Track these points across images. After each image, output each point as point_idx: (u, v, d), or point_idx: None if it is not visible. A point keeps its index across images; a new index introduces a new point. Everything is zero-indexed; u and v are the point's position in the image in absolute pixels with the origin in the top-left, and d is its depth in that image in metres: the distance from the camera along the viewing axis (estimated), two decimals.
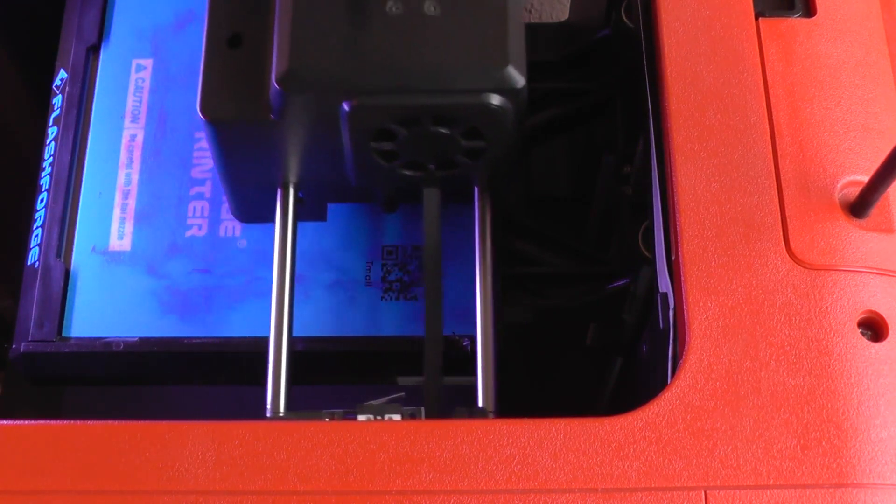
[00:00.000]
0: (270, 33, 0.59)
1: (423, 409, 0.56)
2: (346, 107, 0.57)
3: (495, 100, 0.56)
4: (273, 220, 0.63)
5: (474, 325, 0.62)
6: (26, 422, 0.51)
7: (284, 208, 0.63)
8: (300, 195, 0.64)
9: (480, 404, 0.58)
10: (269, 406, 0.58)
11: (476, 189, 0.63)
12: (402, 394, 0.57)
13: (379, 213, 0.67)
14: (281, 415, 0.58)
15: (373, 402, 0.55)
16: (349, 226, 0.67)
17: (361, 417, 0.54)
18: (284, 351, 0.59)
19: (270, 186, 0.63)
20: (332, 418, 0.54)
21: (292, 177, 0.63)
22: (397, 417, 0.54)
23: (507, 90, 0.56)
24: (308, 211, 0.65)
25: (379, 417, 0.54)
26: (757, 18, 0.58)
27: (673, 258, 0.53)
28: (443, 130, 0.58)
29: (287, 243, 0.62)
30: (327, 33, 0.57)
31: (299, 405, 0.58)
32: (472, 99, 0.57)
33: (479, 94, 0.56)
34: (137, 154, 0.69)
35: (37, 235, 0.67)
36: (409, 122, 0.58)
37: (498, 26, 0.57)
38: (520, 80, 0.56)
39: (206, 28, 0.60)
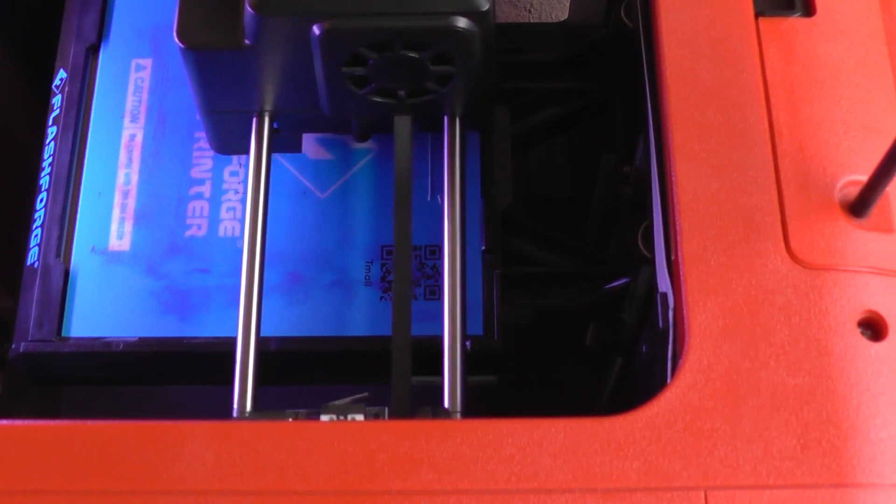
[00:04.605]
0: None
1: (386, 409, 0.56)
2: (316, 30, 0.58)
3: (462, 22, 0.58)
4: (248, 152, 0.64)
5: (476, 323, 0.62)
6: (26, 422, 0.51)
7: (259, 138, 0.64)
8: (275, 126, 0.65)
9: (447, 404, 0.58)
10: (235, 406, 0.58)
11: (446, 118, 0.64)
12: (366, 394, 0.57)
13: (379, 212, 0.67)
14: (247, 415, 0.58)
15: (336, 402, 0.55)
16: (348, 226, 0.67)
17: (325, 418, 0.54)
18: (257, 267, 0.61)
19: (246, 117, 0.64)
20: (295, 418, 0.54)
21: (268, 106, 0.64)
22: (360, 417, 0.54)
23: (473, 13, 0.58)
24: (283, 142, 0.66)
25: (342, 417, 0.54)
26: (757, 18, 0.58)
27: (672, 258, 0.53)
28: (412, 55, 0.59)
29: (261, 173, 0.63)
30: None
31: (306, 404, 0.58)
32: (439, 21, 0.58)
33: (446, 16, 0.58)
34: (137, 154, 0.69)
35: (36, 235, 0.67)
36: (380, 47, 0.59)
37: None
38: (484, 3, 0.58)
39: None
